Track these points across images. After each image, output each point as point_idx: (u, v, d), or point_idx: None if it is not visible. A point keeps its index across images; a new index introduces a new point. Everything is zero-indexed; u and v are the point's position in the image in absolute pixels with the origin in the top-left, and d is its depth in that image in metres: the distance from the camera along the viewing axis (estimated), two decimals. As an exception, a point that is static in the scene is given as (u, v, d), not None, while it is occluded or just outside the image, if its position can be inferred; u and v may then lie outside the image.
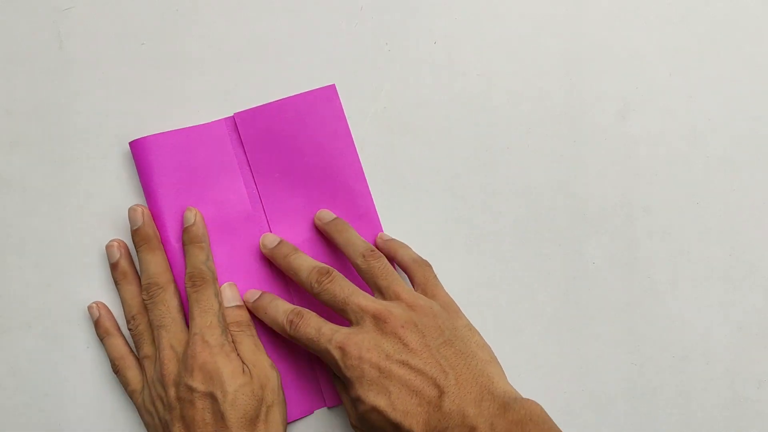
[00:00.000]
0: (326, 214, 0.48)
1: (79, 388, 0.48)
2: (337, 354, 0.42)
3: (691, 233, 0.50)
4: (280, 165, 0.48)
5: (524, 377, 0.49)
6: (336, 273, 0.45)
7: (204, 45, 0.49)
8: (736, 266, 0.50)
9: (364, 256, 0.45)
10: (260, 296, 0.47)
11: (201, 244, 0.47)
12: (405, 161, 0.49)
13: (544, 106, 0.50)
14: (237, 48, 0.49)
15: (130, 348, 0.48)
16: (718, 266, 0.50)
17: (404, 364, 0.40)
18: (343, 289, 0.44)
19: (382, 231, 0.49)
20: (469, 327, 0.44)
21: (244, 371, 0.44)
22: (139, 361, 0.47)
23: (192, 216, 0.47)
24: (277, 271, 0.48)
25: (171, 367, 0.44)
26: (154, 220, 0.47)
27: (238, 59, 0.49)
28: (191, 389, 0.43)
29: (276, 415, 0.44)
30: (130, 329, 0.47)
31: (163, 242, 0.47)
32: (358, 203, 0.49)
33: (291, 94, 0.48)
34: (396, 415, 0.40)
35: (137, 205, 0.47)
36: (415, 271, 0.46)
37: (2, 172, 0.48)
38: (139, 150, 0.47)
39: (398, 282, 0.44)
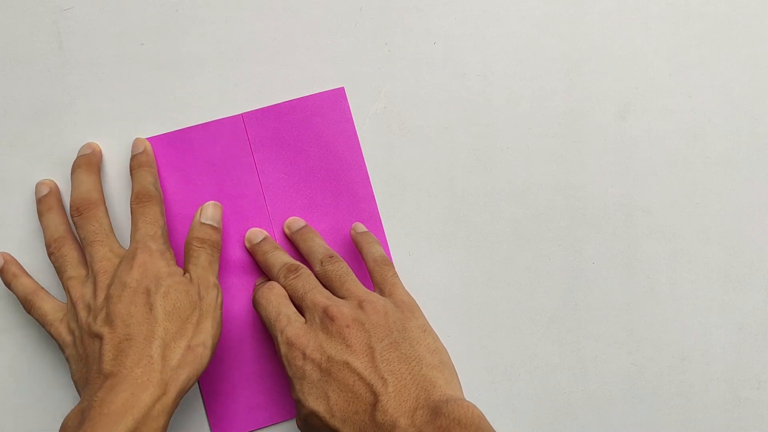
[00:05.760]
0: (294, 223, 0.48)
1: (79, 388, 0.48)
2: (283, 348, 0.42)
3: (691, 233, 0.50)
4: (285, 165, 0.48)
5: (524, 377, 0.49)
6: (304, 270, 0.45)
7: (203, 45, 0.49)
8: (736, 266, 0.50)
9: (321, 263, 0.45)
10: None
11: (150, 168, 0.46)
12: (405, 161, 0.49)
13: (544, 106, 0.50)
14: (236, 48, 0.49)
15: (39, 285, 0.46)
16: (718, 266, 0.50)
17: (345, 365, 0.40)
18: (304, 284, 0.44)
19: (385, 235, 0.49)
20: (423, 328, 0.43)
21: (184, 275, 0.44)
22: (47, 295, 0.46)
23: (142, 146, 0.47)
24: None
25: (109, 277, 0.43)
26: (170, 217, 0.47)
27: (237, 60, 0.49)
28: (124, 284, 0.42)
29: (207, 327, 0.43)
30: (51, 254, 0.45)
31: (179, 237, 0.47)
32: (362, 206, 0.49)
33: (291, 94, 0.48)
34: (334, 422, 0.39)
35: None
36: (373, 271, 0.46)
37: (2, 172, 0.48)
38: (154, 147, 0.48)
39: (352, 282, 0.44)
